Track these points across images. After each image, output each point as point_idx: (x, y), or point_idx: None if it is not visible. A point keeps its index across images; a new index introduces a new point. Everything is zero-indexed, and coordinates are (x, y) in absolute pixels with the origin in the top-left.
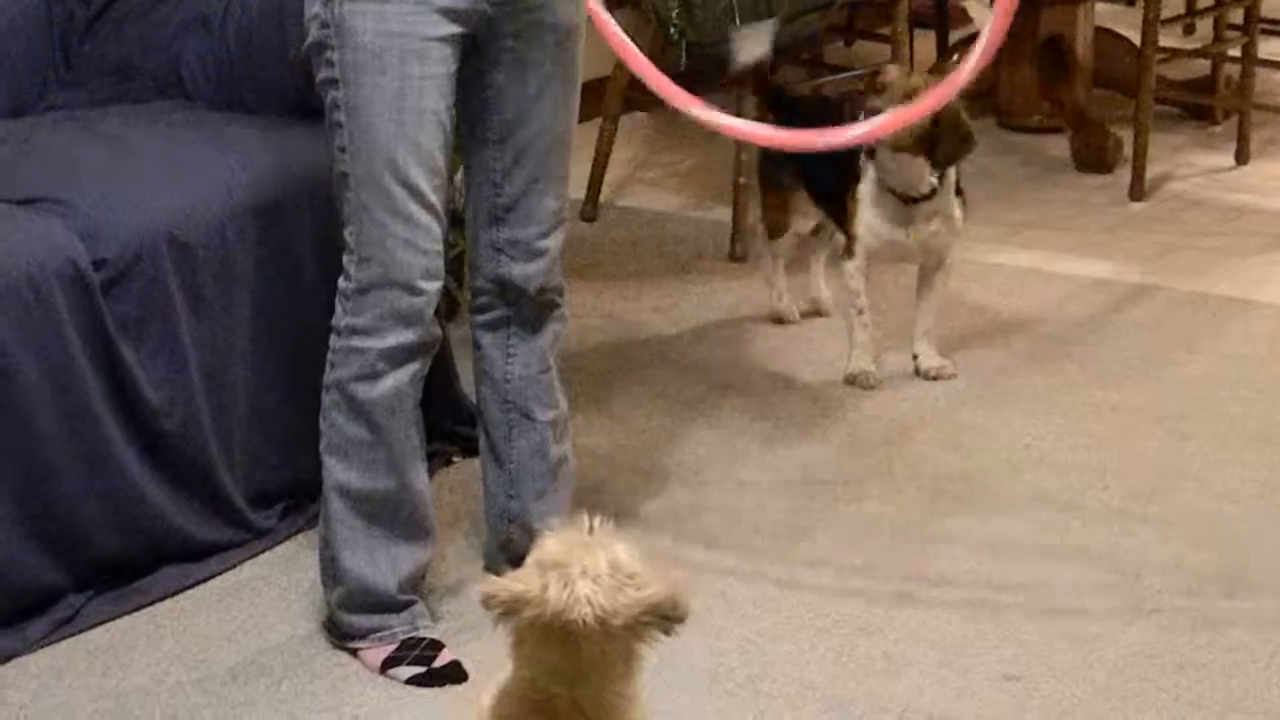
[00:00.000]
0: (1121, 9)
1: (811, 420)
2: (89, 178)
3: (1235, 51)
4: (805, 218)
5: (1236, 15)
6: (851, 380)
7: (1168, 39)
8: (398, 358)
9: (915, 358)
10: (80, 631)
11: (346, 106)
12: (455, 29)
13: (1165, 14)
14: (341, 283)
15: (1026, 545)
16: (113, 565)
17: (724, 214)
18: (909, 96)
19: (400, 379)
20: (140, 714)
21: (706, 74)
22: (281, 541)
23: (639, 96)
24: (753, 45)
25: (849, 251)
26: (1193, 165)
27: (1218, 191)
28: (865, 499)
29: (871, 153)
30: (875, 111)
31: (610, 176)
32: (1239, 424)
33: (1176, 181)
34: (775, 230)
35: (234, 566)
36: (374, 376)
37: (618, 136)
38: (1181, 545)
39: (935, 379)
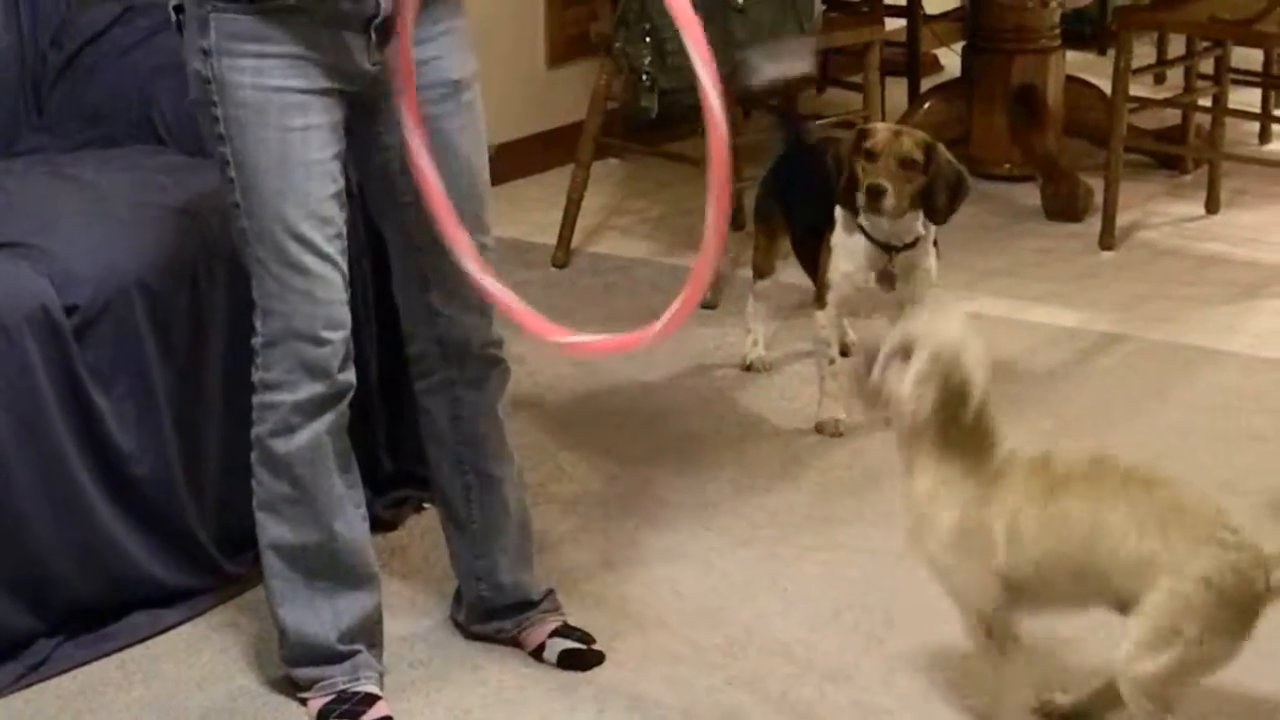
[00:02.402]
0: (1092, 58)
1: (782, 467)
2: (61, 223)
3: (1206, 101)
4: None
5: (1207, 65)
6: (821, 428)
7: (1138, 88)
8: (310, 410)
9: None
10: (51, 677)
11: (234, 162)
12: (336, 84)
13: (1136, 63)
14: (254, 339)
15: None
16: (83, 610)
17: (693, 260)
18: (901, 165)
19: (317, 430)
20: None
21: (682, 120)
22: (252, 587)
23: (612, 143)
24: (790, 60)
25: (820, 300)
26: (1163, 214)
27: (1187, 240)
28: (835, 547)
29: (877, 198)
30: (879, 191)
31: (582, 223)
32: (1208, 473)
33: (1146, 230)
34: (760, 271)
35: (204, 612)
36: (289, 430)
37: (590, 183)
38: None
39: None
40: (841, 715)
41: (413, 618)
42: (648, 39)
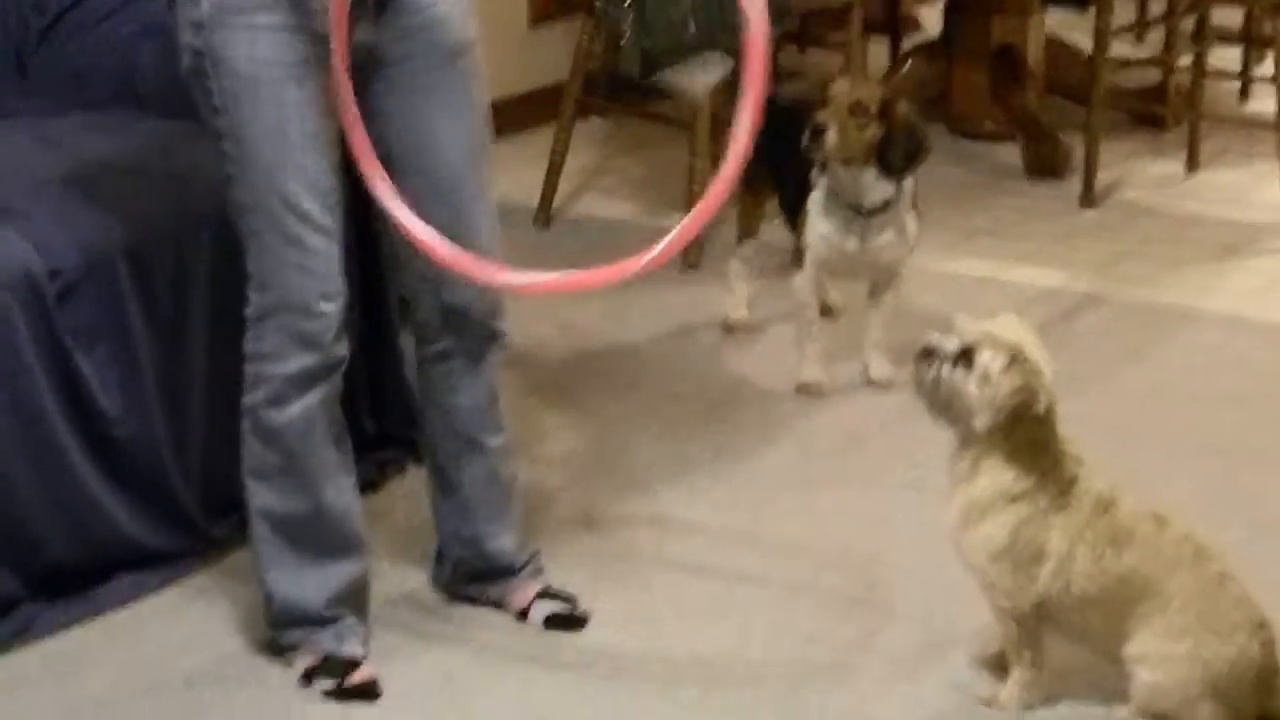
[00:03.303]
0: (1073, 17)
1: (763, 429)
2: (44, 188)
3: (1186, 60)
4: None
5: (1187, 25)
6: (803, 389)
7: (1119, 48)
8: (303, 382)
9: (866, 368)
10: (36, 640)
11: (230, 135)
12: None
13: (1117, 23)
14: (246, 309)
15: None
16: (67, 574)
17: (678, 222)
18: (851, 110)
19: (309, 402)
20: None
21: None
22: (236, 551)
23: (594, 103)
24: (702, 77)
25: (798, 262)
26: (1143, 173)
27: (1167, 200)
28: (816, 509)
29: (824, 164)
30: (820, 128)
31: (564, 184)
32: (1186, 434)
33: (1127, 189)
34: (745, 232)
35: (188, 576)
36: (282, 401)
37: (572, 143)
38: None
39: (886, 389)
40: (821, 677)
41: (396, 580)
42: None
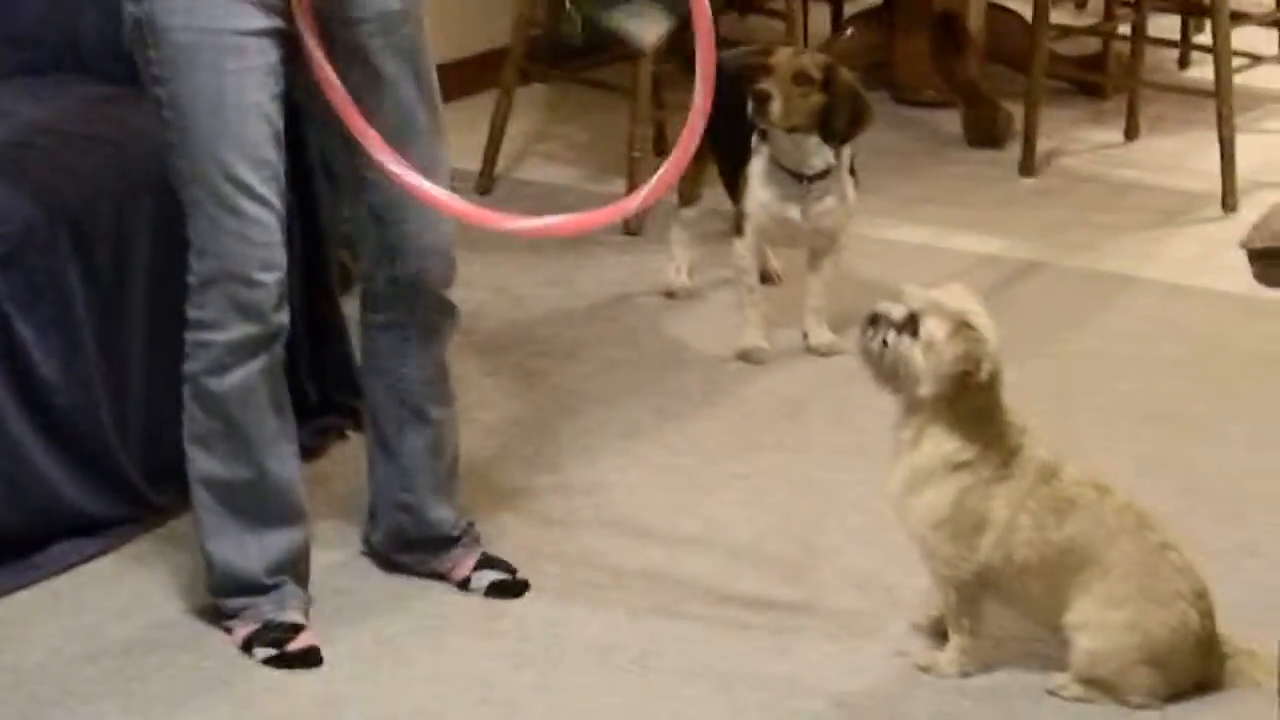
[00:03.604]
0: None
1: (704, 395)
2: None
3: (1125, 29)
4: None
5: None
6: (743, 356)
7: (1059, 15)
8: (243, 350)
9: (805, 334)
10: None
11: (169, 104)
12: (271, 22)
13: None
14: (188, 276)
15: None
16: (6, 540)
17: (619, 187)
18: (795, 79)
19: (250, 370)
20: (37, 689)
21: (606, 47)
22: (176, 518)
23: (536, 69)
24: (651, 28)
25: (739, 229)
26: (1083, 141)
27: (1107, 167)
28: (756, 474)
29: (764, 132)
30: (764, 96)
31: (506, 149)
32: (1126, 401)
33: (1067, 157)
34: (686, 198)
35: (128, 542)
36: (222, 369)
37: (513, 109)
38: None
39: (826, 355)
40: (762, 644)
41: (337, 547)
42: None
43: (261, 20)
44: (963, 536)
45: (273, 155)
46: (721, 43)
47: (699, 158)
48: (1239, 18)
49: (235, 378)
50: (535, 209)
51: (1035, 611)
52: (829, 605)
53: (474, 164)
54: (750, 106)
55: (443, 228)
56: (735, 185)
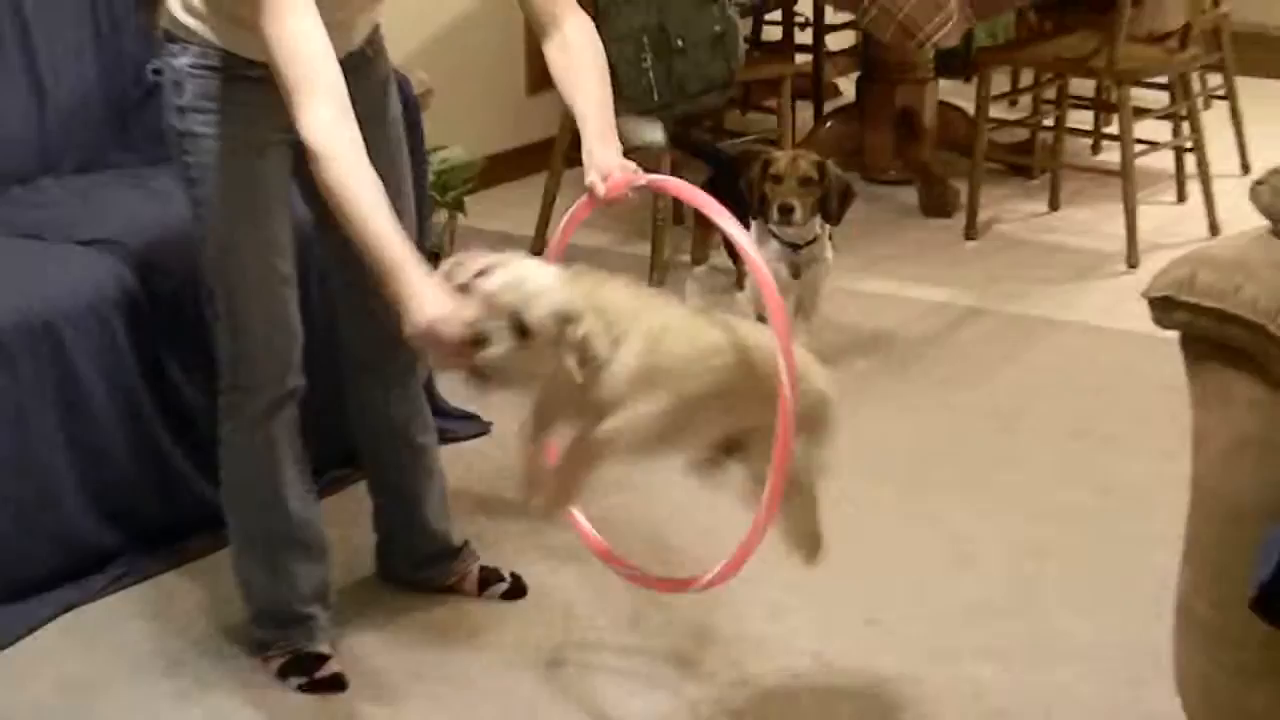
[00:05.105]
0: (960, 86)
1: None
2: (141, 224)
3: (1049, 121)
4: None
5: (1050, 93)
6: None
7: (996, 111)
8: (268, 412)
9: None
10: (134, 584)
11: (202, 202)
12: (289, 135)
13: (994, 91)
14: (218, 351)
15: (885, 512)
16: (157, 530)
17: (645, 249)
18: (801, 183)
19: (273, 427)
20: (183, 652)
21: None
22: None
23: (578, 155)
24: (656, 132)
25: (739, 283)
26: (1015, 211)
27: (1034, 232)
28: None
29: (787, 215)
30: (789, 209)
31: (554, 219)
32: (1051, 420)
33: (1002, 224)
34: (696, 259)
35: None
36: (251, 428)
37: (560, 187)
38: (1006, 516)
39: None
40: (756, 614)
41: (354, 574)
42: None
43: (279, 134)
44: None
45: (291, 238)
46: (725, 133)
47: (707, 227)
48: (1140, 113)
49: (260, 435)
50: (578, 267)
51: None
52: (812, 580)
53: (529, 231)
54: (775, 216)
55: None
56: (735, 250)
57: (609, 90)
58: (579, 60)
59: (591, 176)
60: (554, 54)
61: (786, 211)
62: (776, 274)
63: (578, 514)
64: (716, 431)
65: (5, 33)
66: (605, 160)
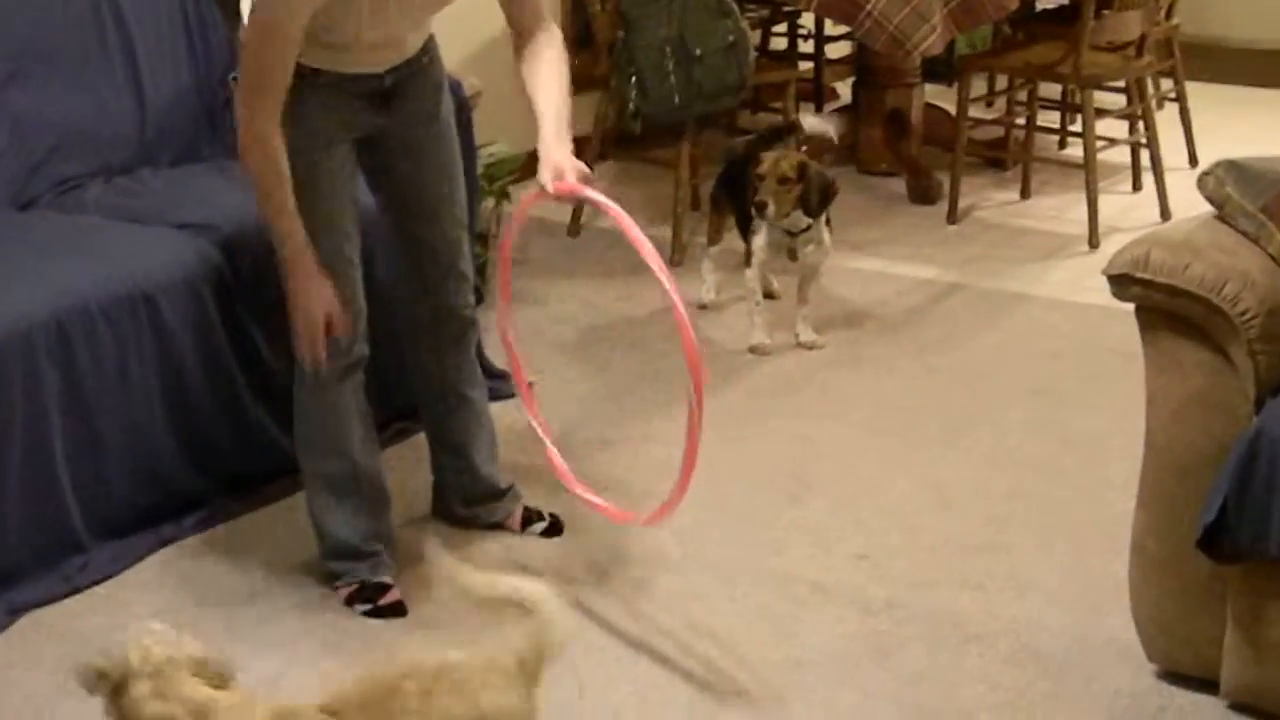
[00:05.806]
0: (944, 89)
1: (726, 376)
2: (227, 210)
3: (1021, 120)
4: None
5: (1023, 95)
6: (753, 349)
7: (975, 111)
8: (337, 376)
9: (797, 335)
10: (221, 523)
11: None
12: (352, 134)
13: (973, 94)
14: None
15: (872, 461)
16: (240, 476)
17: (666, 231)
18: (780, 182)
19: (342, 389)
20: (263, 582)
21: (657, 135)
22: None
23: (609, 150)
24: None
25: (749, 262)
26: (990, 199)
27: (1007, 218)
28: (765, 433)
29: (761, 210)
30: (763, 205)
31: (588, 208)
32: (1019, 380)
33: (979, 210)
34: (712, 240)
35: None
36: (322, 390)
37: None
38: (981, 464)
39: (811, 349)
40: (761, 549)
41: (414, 514)
42: (632, 79)
43: (344, 131)
44: None
45: (354, 226)
46: (738, 131)
47: (721, 212)
48: (1101, 113)
49: (330, 396)
50: (608, 246)
51: None
52: (811, 521)
53: (566, 218)
54: (754, 209)
55: (465, 259)
56: (746, 232)
57: (567, 95)
58: (542, 67)
59: (544, 174)
60: (523, 60)
61: (761, 207)
62: (777, 255)
63: (554, 454)
64: None
65: (110, 42)
66: (558, 158)
